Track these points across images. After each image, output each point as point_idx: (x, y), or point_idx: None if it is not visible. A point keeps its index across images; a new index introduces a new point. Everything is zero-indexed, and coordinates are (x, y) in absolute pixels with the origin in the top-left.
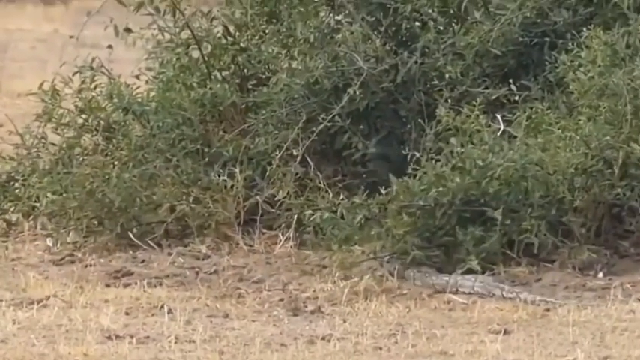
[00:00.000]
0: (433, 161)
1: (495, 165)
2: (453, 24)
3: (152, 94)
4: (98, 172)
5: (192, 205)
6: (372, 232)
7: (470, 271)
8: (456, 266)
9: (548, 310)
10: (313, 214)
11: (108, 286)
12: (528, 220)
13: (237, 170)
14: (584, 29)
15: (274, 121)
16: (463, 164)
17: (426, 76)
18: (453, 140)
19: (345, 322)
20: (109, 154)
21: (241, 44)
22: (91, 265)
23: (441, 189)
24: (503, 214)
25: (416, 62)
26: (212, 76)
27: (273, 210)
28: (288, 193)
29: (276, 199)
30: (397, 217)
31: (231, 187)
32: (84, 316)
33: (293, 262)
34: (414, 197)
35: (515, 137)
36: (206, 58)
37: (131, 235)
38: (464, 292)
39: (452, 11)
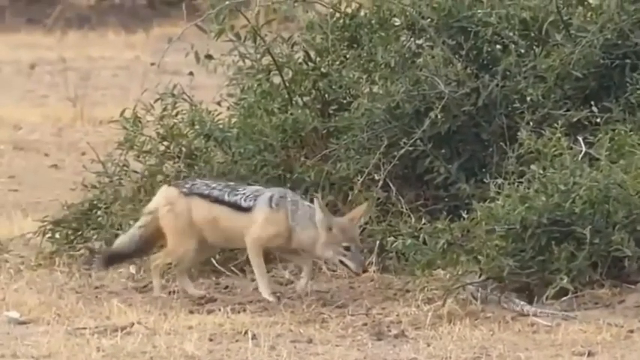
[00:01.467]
0: (515, 184)
1: (578, 187)
2: (534, 47)
3: (233, 120)
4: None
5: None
6: (461, 258)
7: (562, 289)
8: (549, 286)
9: (632, 331)
10: (396, 240)
11: (191, 312)
12: (617, 234)
13: (319, 195)
14: None
15: (356, 146)
16: (545, 188)
17: (508, 99)
18: (533, 167)
19: (429, 346)
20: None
21: (322, 69)
22: (174, 292)
23: (525, 210)
24: (590, 233)
25: (497, 85)
26: (293, 102)
27: None
28: (370, 218)
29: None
30: (487, 241)
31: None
32: (168, 343)
33: (376, 286)
34: (497, 221)
35: (598, 159)
36: (287, 84)
37: (214, 262)
38: None
39: (533, 34)
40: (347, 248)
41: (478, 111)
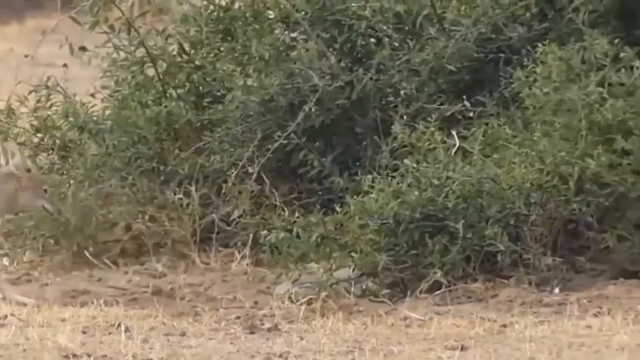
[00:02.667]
0: (389, 178)
1: (451, 181)
2: (408, 40)
3: (107, 112)
4: (54, 191)
5: (149, 224)
6: (334, 252)
7: (436, 283)
8: (422, 281)
9: (505, 326)
10: (269, 234)
11: (65, 305)
12: (490, 229)
13: (192, 188)
14: (540, 45)
15: (230, 139)
16: (418, 182)
17: (382, 93)
18: (407, 161)
19: (302, 339)
20: (65, 172)
21: (196, 62)
22: (47, 285)
23: (398, 205)
24: (463, 228)
25: (371, 79)
26: (167, 94)
27: (229, 228)
28: (244, 211)
29: (232, 217)
30: (360, 235)
31: (187, 205)
32: (41, 335)
33: (249, 280)
34: (370, 215)
35: (471, 153)
36: (161, 76)
37: (87, 254)
38: None
39: (407, 28)
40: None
41: (352, 104)
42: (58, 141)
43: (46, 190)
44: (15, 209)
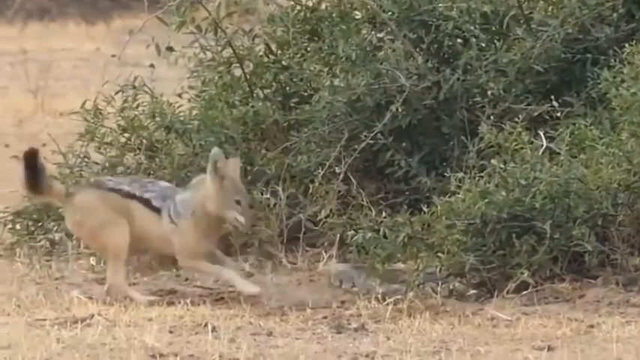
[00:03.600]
0: (476, 178)
1: (538, 181)
2: (495, 41)
3: (194, 112)
4: None
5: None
6: (421, 252)
7: (523, 284)
8: (509, 281)
9: (592, 326)
10: (356, 234)
11: (151, 304)
12: (578, 229)
13: (279, 188)
14: (627, 45)
15: (317, 139)
16: (505, 183)
17: (469, 93)
18: (494, 161)
19: (388, 339)
20: (152, 172)
21: (283, 62)
22: (134, 284)
23: (485, 205)
24: (551, 228)
25: (458, 79)
26: (254, 95)
27: (316, 228)
28: (331, 211)
29: (319, 217)
30: (447, 235)
31: (274, 205)
32: (128, 334)
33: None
34: (457, 216)
35: (558, 154)
36: (248, 77)
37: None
38: None
39: (494, 28)
40: (238, 202)
41: (439, 105)
42: (145, 141)
43: (239, 202)
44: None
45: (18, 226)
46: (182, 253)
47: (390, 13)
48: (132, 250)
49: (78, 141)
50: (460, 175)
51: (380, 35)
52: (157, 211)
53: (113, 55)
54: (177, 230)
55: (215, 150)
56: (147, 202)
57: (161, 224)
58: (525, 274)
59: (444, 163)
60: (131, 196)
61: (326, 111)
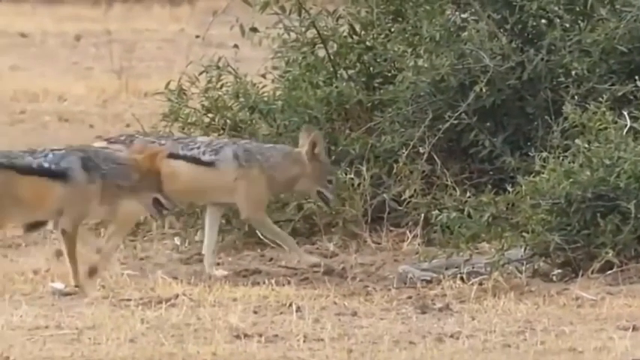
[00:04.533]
0: (560, 158)
1: (622, 161)
2: (579, 21)
3: (278, 93)
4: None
5: (320, 204)
6: (506, 232)
7: (608, 263)
8: (594, 261)
9: None
10: (440, 214)
11: (236, 284)
12: None
13: (364, 168)
14: None
15: (400, 119)
16: (590, 162)
17: (553, 74)
18: (578, 141)
19: (473, 319)
20: None
21: (367, 43)
22: (219, 264)
23: (570, 185)
24: (635, 208)
25: (542, 59)
26: (338, 75)
27: (400, 208)
28: (415, 191)
29: (403, 197)
30: (532, 215)
31: (358, 185)
32: (212, 315)
33: (421, 259)
34: (542, 195)
35: None
36: (332, 57)
37: (259, 234)
38: None
39: (578, 8)
40: (329, 181)
41: (523, 85)
42: (229, 121)
43: (330, 181)
44: (290, 191)
45: None
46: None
47: None
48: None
49: (162, 121)
50: (544, 154)
51: (464, 15)
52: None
53: (197, 36)
54: (245, 175)
55: (316, 132)
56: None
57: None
58: (610, 254)
59: (528, 143)
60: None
61: (410, 91)
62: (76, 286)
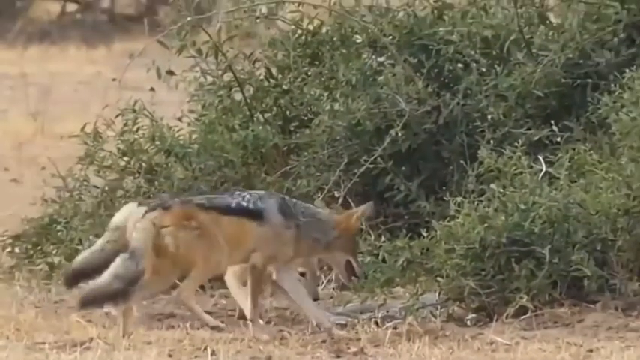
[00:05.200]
0: (475, 203)
1: (537, 206)
2: (496, 65)
3: (194, 136)
4: None
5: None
6: (420, 277)
7: (522, 308)
8: (508, 305)
9: (591, 350)
10: None
11: (151, 328)
12: (577, 254)
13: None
14: (627, 70)
15: (316, 163)
16: (505, 207)
17: (468, 118)
18: (493, 185)
19: None
20: (151, 196)
21: (284, 86)
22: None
23: (484, 229)
24: (550, 253)
25: (458, 104)
26: (254, 118)
27: None
28: None
29: None
30: (446, 260)
31: None
32: (127, 358)
33: (335, 304)
34: (457, 240)
35: (557, 178)
36: (248, 100)
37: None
38: None
39: (494, 52)
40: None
41: (439, 129)
42: (144, 164)
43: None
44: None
45: (17, 250)
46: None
47: (390, 37)
48: None
49: (77, 164)
50: (459, 199)
51: (380, 59)
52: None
53: (114, 79)
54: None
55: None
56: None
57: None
58: (524, 299)
59: (444, 188)
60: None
61: (326, 135)
62: (250, 320)
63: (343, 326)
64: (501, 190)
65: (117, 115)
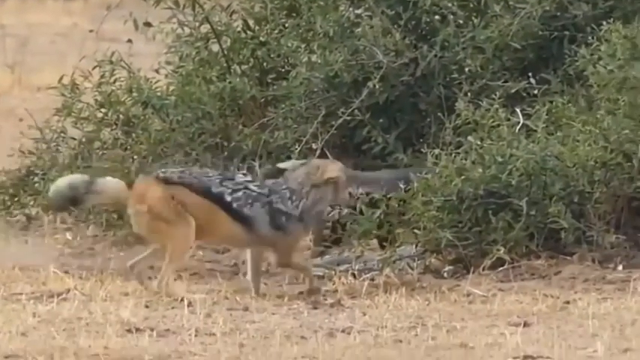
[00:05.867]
0: (453, 155)
1: (515, 159)
2: (473, 17)
3: (171, 88)
4: (118, 166)
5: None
6: (398, 229)
7: (499, 260)
8: (485, 257)
9: (568, 302)
10: (332, 210)
11: (128, 279)
12: (554, 206)
13: (256, 164)
14: (604, 23)
15: (294, 115)
16: (482, 159)
17: (446, 70)
18: (470, 138)
19: (364, 315)
20: (129, 148)
21: (261, 38)
22: (110, 259)
23: (462, 182)
24: (527, 205)
25: (435, 56)
26: (231, 70)
27: None
28: None
29: None
30: (423, 212)
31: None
32: (104, 309)
33: (313, 256)
34: (434, 192)
35: (535, 131)
36: (225, 52)
37: None
38: None
39: (471, 5)
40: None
41: (416, 81)
42: (121, 116)
43: None
44: None
45: None
46: None
47: None
48: None
49: (55, 116)
50: (437, 151)
51: (358, 11)
52: None
53: (91, 31)
54: None
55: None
56: None
57: None
58: (501, 251)
59: (421, 140)
60: None
61: (303, 87)
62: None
63: (320, 278)
64: (479, 143)
65: (94, 67)
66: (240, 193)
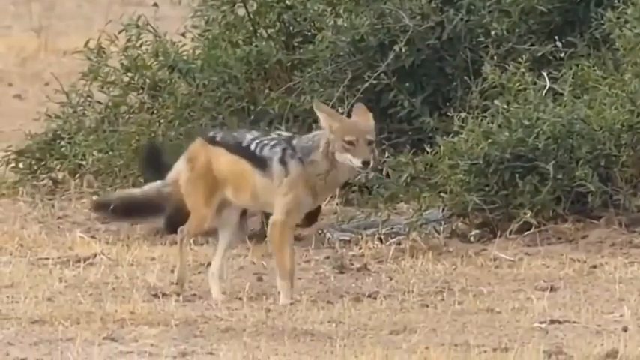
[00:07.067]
0: (479, 119)
1: (541, 122)
2: None
3: (198, 51)
4: (144, 130)
5: None
6: (424, 193)
7: (526, 224)
8: (512, 221)
9: (594, 266)
10: (359, 174)
11: (154, 244)
12: (581, 170)
13: (282, 128)
14: None
15: (320, 79)
16: (508, 123)
17: (472, 34)
18: (497, 101)
19: (391, 279)
20: (155, 112)
21: (287, 1)
22: (137, 224)
23: (488, 145)
24: (554, 169)
25: (462, 19)
26: (258, 34)
27: None
28: None
29: None
30: (450, 175)
31: None
32: (130, 274)
33: (339, 220)
34: (460, 156)
35: (561, 94)
36: (252, 16)
37: None
38: None
39: None
40: (350, 143)
41: (442, 45)
42: (148, 80)
43: None
44: None
45: (21, 165)
46: None
47: None
48: None
49: (81, 80)
50: (463, 115)
51: None
52: None
53: None
54: None
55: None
56: None
57: None
58: (528, 215)
59: (447, 103)
60: None
61: (329, 51)
62: None
63: (347, 242)
64: (505, 106)
65: (120, 31)
66: (265, 141)
